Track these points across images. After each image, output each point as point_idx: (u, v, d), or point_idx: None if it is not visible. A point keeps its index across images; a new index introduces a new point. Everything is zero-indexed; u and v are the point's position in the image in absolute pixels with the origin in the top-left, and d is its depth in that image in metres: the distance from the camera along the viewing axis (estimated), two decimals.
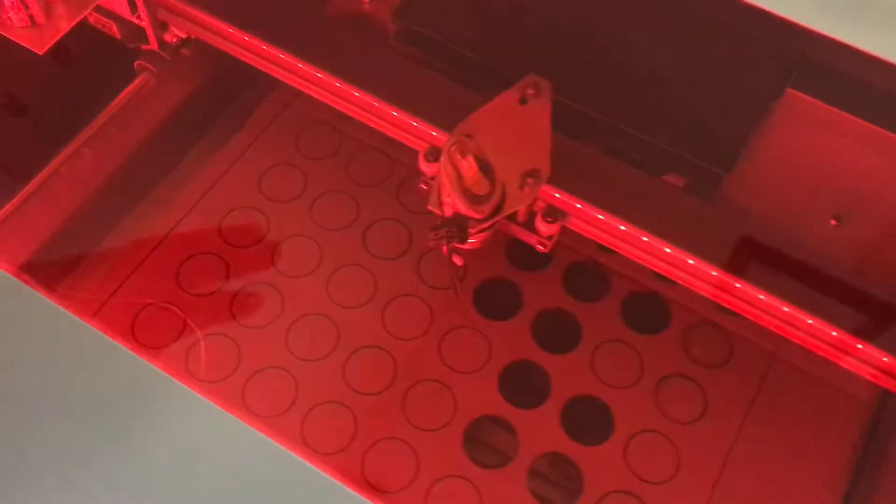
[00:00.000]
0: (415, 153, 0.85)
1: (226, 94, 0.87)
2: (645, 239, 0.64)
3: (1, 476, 0.44)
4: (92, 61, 0.83)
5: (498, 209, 0.63)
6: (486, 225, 0.63)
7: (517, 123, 0.64)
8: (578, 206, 0.65)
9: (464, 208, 0.62)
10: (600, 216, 0.65)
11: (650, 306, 0.78)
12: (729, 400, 0.74)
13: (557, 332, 0.76)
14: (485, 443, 0.72)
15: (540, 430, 0.71)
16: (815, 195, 0.69)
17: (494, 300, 0.78)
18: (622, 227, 0.65)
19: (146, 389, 0.47)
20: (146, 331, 0.74)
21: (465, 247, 0.66)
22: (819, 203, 0.69)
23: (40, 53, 0.68)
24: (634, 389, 0.74)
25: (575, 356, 0.75)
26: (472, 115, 0.64)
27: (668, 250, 0.64)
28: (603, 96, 0.73)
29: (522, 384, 0.74)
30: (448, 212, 0.64)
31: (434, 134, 0.67)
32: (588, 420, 0.73)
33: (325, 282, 0.78)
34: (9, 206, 0.73)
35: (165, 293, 0.76)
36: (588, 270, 0.80)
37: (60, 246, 0.74)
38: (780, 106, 0.70)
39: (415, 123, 0.68)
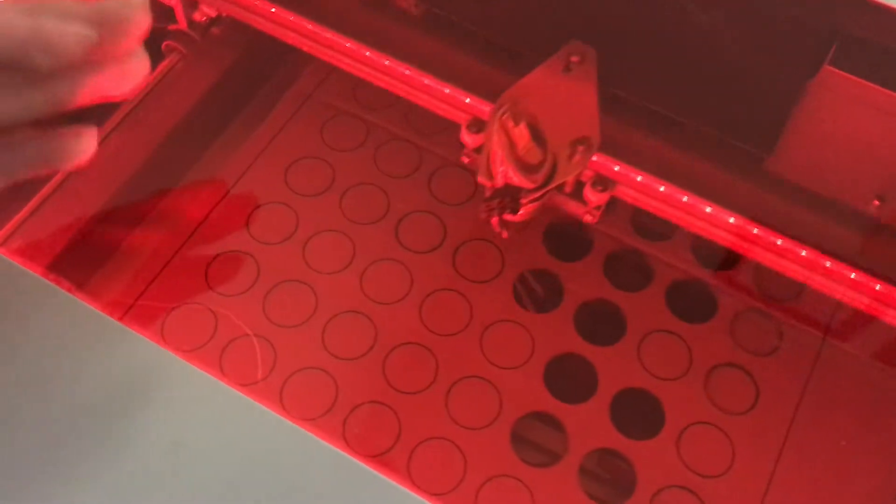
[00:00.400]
0: (444, 143, 0.83)
1: (252, 80, 0.84)
2: (708, 209, 0.63)
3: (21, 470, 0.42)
4: None
5: (549, 178, 0.61)
6: (537, 195, 0.62)
7: (563, 91, 0.62)
8: (628, 174, 0.64)
9: (516, 178, 0.61)
10: (654, 185, 0.64)
11: (695, 294, 0.76)
12: (781, 388, 0.71)
13: (601, 324, 0.74)
14: (532, 441, 0.69)
15: (589, 425, 0.69)
16: (858, 175, 0.67)
17: (535, 293, 0.75)
18: (682, 197, 0.63)
19: (165, 377, 0.45)
20: (176, 331, 0.71)
21: (515, 218, 0.65)
22: (862, 183, 0.67)
23: None
24: (684, 380, 0.71)
25: (621, 347, 0.73)
26: (517, 84, 0.63)
27: (732, 220, 0.63)
28: (636, 79, 0.71)
29: (568, 378, 0.71)
30: (500, 182, 0.62)
31: (468, 102, 0.66)
32: (638, 413, 0.70)
33: (358, 278, 0.75)
34: (31, 204, 0.70)
35: (195, 292, 0.73)
36: (629, 259, 0.78)
37: (86, 243, 0.71)
38: (817, 84, 0.68)
39: (458, 95, 0.67)
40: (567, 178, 0.62)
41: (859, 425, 0.70)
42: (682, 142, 0.68)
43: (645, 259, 0.77)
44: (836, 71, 0.67)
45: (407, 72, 0.68)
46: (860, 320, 0.75)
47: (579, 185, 0.66)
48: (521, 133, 0.59)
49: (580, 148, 0.60)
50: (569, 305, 0.74)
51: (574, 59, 0.63)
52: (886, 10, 0.58)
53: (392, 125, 0.84)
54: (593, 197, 0.65)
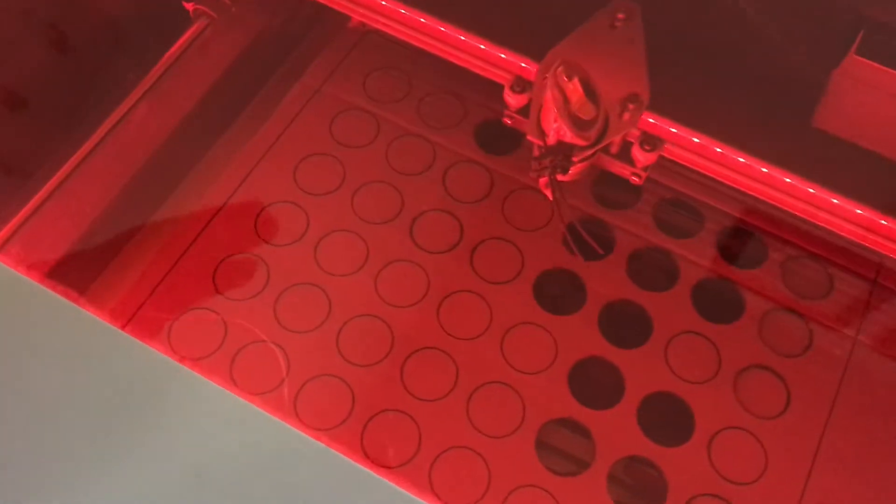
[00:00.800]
0: (458, 139, 0.80)
1: (258, 73, 0.81)
2: (741, 160, 0.61)
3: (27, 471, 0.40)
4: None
5: (601, 136, 0.60)
6: (589, 153, 0.60)
7: (610, 49, 0.60)
8: (679, 132, 0.62)
9: (570, 135, 0.59)
10: (700, 141, 0.61)
11: (722, 294, 0.73)
12: (812, 391, 0.69)
13: (626, 326, 0.71)
14: (558, 448, 0.66)
15: (616, 431, 0.66)
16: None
17: (557, 293, 0.73)
18: (718, 150, 0.61)
19: (171, 385, 0.42)
20: (183, 338, 0.68)
21: (566, 178, 0.63)
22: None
23: None
24: (713, 384, 0.69)
25: (647, 350, 0.70)
26: (562, 42, 0.60)
27: (764, 169, 0.61)
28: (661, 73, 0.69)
29: (594, 383, 0.69)
30: (552, 140, 0.60)
31: (522, 65, 0.64)
32: (666, 419, 0.68)
33: (373, 280, 0.72)
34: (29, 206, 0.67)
35: (202, 297, 0.70)
36: (653, 258, 0.75)
37: (88, 247, 0.68)
38: (843, 72, 0.65)
39: (496, 52, 0.64)
40: (618, 135, 0.61)
41: (895, 431, 0.68)
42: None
43: (670, 256, 0.74)
44: (863, 59, 0.65)
45: (443, 28, 0.65)
46: (893, 316, 0.73)
47: (628, 145, 0.64)
48: (575, 88, 0.57)
49: (630, 105, 0.59)
50: (592, 307, 0.72)
51: (620, 15, 0.61)
52: None
53: (404, 120, 0.80)
54: (641, 157, 0.63)
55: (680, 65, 0.66)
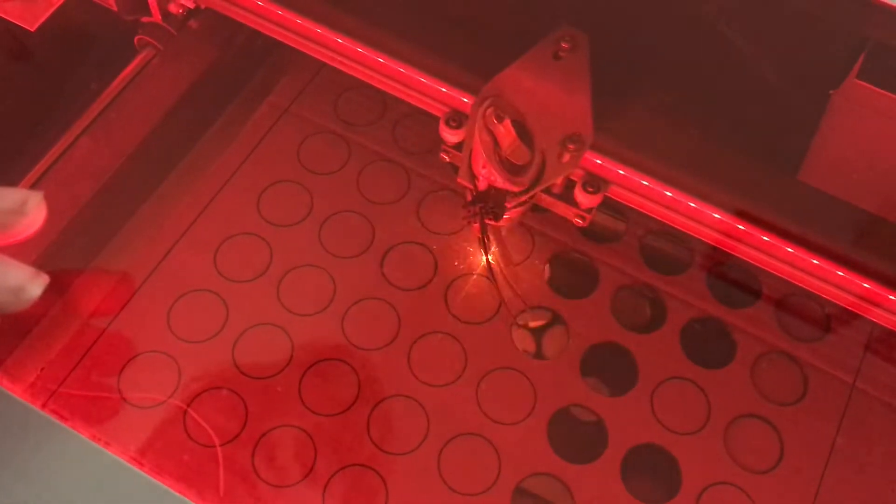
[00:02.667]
0: (434, 163, 0.75)
1: (222, 92, 0.76)
2: (692, 205, 0.57)
3: None
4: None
5: (537, 180, 0.54)
6: (524, 198, 0.55)
7: (552, 82, 0.55)
8: (623, 172, 0.57)
9: (500, 180, 0.54)
10: (644, 182, 0.57)
11: (712, 335, 0.69)
12: (808, 441, 0.65)
13: (611, 371, 0.67)
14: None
15: (598, 486, 0.62)
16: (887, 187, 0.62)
17: (537, 333, 0.68)
18: (668, 193, 0.57)
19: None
20: (135, 382, 0.63)
21: (499, 224, 0.59)
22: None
23: (32, 30, 0.62)
24: (701, 434, 0.64)
25: (632, 398, 0.65)
26: (501, 73, 0.55)
27: (716, 215, 0.57)
28: (651, 92, 0.64)
29: (575, 434, 0.64)
30: (482, 185, 0.55)
31: (449, 92, 0.59)
32: (651, 473, 0.63)
33: (339, 320, 0.67)
34: None
35: (156, 340, 0.65)
36: (640, 295, 0.70)
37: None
38: (843, 96, 0.61)
39: (435, 85, 0.59)
40: (557, 178, 0.55)
41: (895, 484, 0.64)
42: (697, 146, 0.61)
43: (657, 295, 0.70)
44: (863, 83, 0.61)
45: (381, 60, 0.61)
46: (893, 360, 0.69)
47: (570, 185, 0.59)
48: (506, 131, 0.52)
49: (571, 146, 0.53)
50: (575, 350, 0.67)
51: (564, 45, 0.56)
52: None
53: (377, 144, 0.76)
54: (584, 199, 0.58)
55: (643, 98, 0.61)
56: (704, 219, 0.58)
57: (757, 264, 0.58)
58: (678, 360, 0.67)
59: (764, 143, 0.64)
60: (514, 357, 0.66)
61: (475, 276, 0.70)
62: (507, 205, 0.56)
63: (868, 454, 0.65)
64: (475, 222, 0.57)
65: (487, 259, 0.68)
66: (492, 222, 0.57)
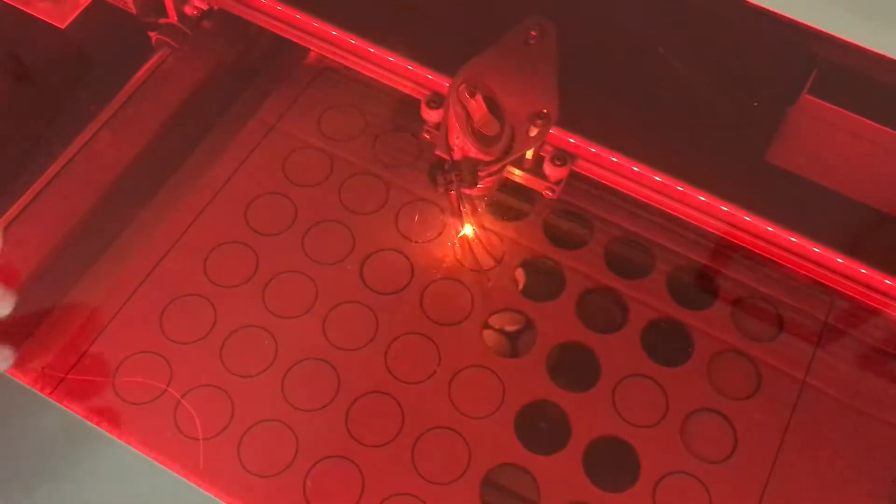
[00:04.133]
0: (411, 176, 0.80)
1: (209, 111, 0.81)
2: (657, 178, 0.65)
3: None
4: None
5: (507, 152, 0.61)
6: (495, 168, 0.62)
7: (522, 66, 0.62)
8: (590, 148, 0.66)
9: (473, 150, 0.61)
10: (613, 158, 0.66)
11: (671, 335, 0.73)
12: (760, 434, 0.69)
13: (575, 368, 0.71)
14: (504, 493, 0.66)
15: (561, 475, 0.66)
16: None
17: (507, 335, 0.73)
18: (634, 168, 0.66)
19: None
20: (128, 384, 0.68)
21: (474, 192, 0.66)
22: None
23: (62, 27, 0.69)
24: (660, 428, 0.69)
25: (595, 393, 0.70)
26: (475, 57, 0.62)
27: (679, 188, 0.65)
28: (609, 113, 0.69)
29: (540, 428, 0.69)
30: (457, 155, 0.62)
31: (432, 78, 0.68)
32: (612, 463, 0.67)
33: (321, 322, 0.72)
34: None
35: (148, 342, 0.70)
36: (603, 298, 0.75)
37: (31, 294, 0.67)
38: (797, 111, 0.66)
39: (421, 71, 0.68)
40: (524, 151, 0.63)
41: (842, 471, 0.68)
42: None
43: (620, 297, 0.74)
44: (816, 99, 0.66)
45: (371, 49, 0.70)
46: (842, 358, 0.73)
47: (540, 160, 0.67)
48: (478, 105, 0.58)
49: (538, 122, 0.60)
50: (541, 348, 0.71)
51: (533, 33, 0.62)
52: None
53: (357, 158, 0.80)
54: (552, 172, 0.66)
55: (610, 89, 0.69)
56: (659, 187, 0.66)
57: (717, 233, 0.66)
58: (639, 359, 0.72)
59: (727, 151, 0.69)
60: (485, 356, 0.71)
61: (449, 281, 0.74)
62: (480, 174, 0.62)
63: (817, 446, 0.69)
64: (451, 190, 0.63)
65: (461, 224, 0.73)
66: (468, 190, 0.64)
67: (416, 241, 0.76)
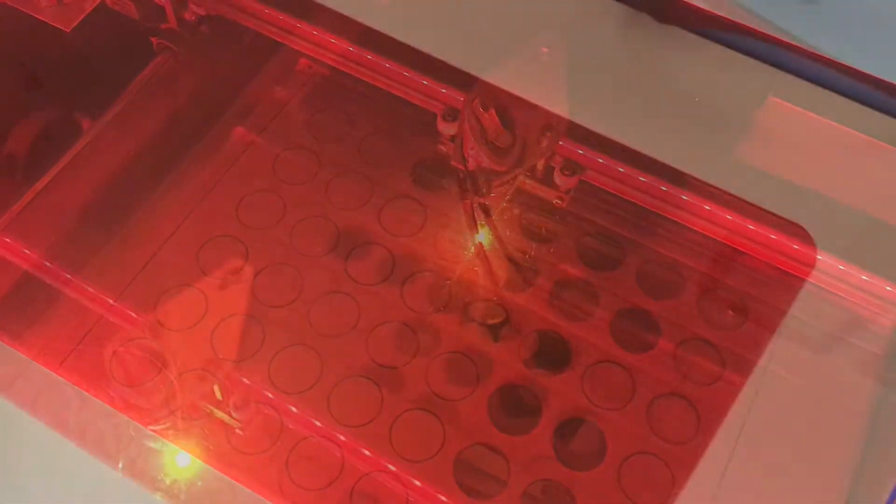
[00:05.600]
0: (394, 175, 0.84)
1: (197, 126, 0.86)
2: (663, 188, 0.68)
3: None
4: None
5: (519, 162, 0.65)
6: (507, 178, 0.66)
7: (533, 80, 0.66)
8: (598, 159, 0.68)
9: (486, 161, 0.65)
10: (620, 168, 0.68)
11: (640, 324, 0.77)
12: (722, 417, 0.72)
13: (547, 355, 0.75)
14: (476, 471, 0.70)
15: (531, 455, 0.70)
16: None
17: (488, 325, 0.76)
18: (641, 179, 0.68)
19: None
20: (122, 371, 0.72)
21: (487, 200, 0.70)
22: None
23: (67, 31, 0.72)
24: (625, 410, 0.72)
25: (566, 378, 0.73)
26: (490, 73, 0.66)
27: (684, 196, 0.68)
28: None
29: (512, 410, 0.72)
30: (471, 165, 0.66)
31: (445, 92, 0.71)
32: (580, 443, 0.71)
33: (307, 311, 0.76)
34: None
35: (143, 328, 0.74)
36: (575, 289, 0.79)
37: (28, 290, 0.72)
38: None
39: (436, 87, 0.72)
40: (536, 160, 0.66)
41: (803, 450, 0.71)
42: None
43: (592, 289, 0.78)
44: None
45: (388, 65, 0.74)
46: (803, 345, 0.76)
47: (550, 170, 0.70)
48: (491, 118, 0.62)
49: (548, 133, 0.64)
50: (517, 339, 0.75)
51: (544, 49, 0.67)
52: None
53: (344, 158, 0.85)
54: (562, 181, 0.69)
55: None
56: (665, 196, 0.69)
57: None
58: (608, 345, 0.75)
59: None
60: (463, 343, 0.75)
61: (427, 273, 0.78)
62: (494, 183, 0.67)
63: (776, 430, 0.72)
64: (467, 200, 0.67)
65: (476, 231, 0.76)
66: (482, 199, 0.68)
67: (399, 236, 0.80)
